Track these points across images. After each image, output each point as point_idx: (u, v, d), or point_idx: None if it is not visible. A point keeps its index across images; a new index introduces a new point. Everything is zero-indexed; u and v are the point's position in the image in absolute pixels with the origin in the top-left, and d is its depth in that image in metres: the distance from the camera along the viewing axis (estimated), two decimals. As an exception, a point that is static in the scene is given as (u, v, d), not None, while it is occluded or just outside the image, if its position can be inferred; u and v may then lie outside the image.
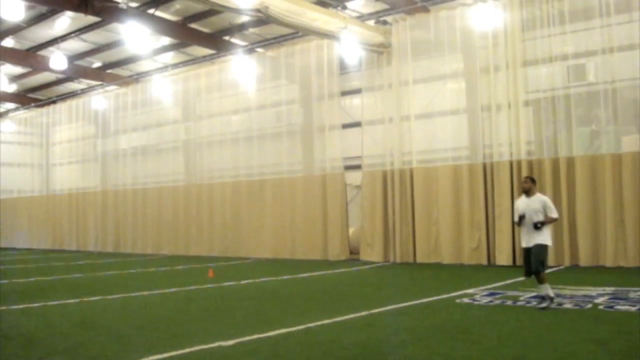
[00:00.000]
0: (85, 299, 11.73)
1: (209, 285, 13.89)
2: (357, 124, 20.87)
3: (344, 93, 21.67)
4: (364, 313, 9.16)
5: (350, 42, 18.51)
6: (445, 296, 11.00)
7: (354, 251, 20.45)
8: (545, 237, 9.35)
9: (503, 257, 16.66)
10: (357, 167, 20.72)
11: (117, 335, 8.06)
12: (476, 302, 10.16)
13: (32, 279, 16.12)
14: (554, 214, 9.50)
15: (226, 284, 14.24)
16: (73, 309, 10.72)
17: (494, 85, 17.37)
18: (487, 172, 17.39)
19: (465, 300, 10.43)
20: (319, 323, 8.51)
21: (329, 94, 21.10)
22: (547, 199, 9.70)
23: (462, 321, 8.62)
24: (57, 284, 15.15)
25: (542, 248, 9.30)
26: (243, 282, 14.59)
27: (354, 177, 21.24)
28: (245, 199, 22.97)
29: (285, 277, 15.67)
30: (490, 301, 10.24)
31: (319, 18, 17.63)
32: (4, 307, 10.44)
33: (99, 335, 8.00)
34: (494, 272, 15.39)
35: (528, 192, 9.63)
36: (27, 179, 34.78)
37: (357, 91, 21.20)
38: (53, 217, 31.76)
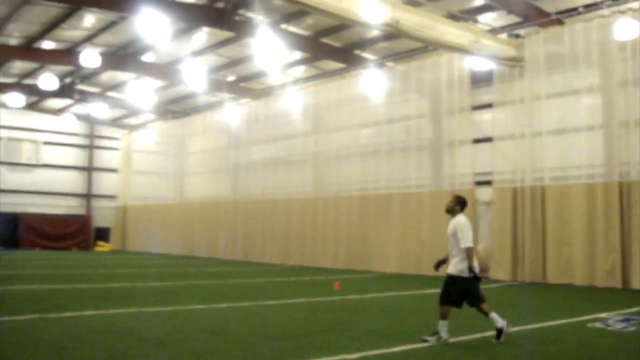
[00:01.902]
0: (213, 305, 12.53)
1: (334, 298, 14.39)
2: (487, 139, 21.38)
3: (475, 107, 22.21)
4: (489, 333, 8.91)
5: (481, 56, 19.16)
6: (576, 319, 10.89)
7: (482, 269, 20.83)
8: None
9: (638, 281, 16.69)
10: (487, 183, 21.21)
11: (243, 342, 8.44)
12: (609, 328, 9.94)
13: (166, 283, 17.70)
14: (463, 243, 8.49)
15: (351, 296, 14.70)
16: (201, 314, 11.37)
17: (632, 100, 17.48)
18: (624, 191, 17.47)
19: (598, 324, 10.24)
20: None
21: (459, 109, 21.77)
22: (463, 223, 8.66)
23: (594, 347, 8.49)
24: (188, 289, 16.39)
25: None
26: (368, 295, 15.14)
27: (483, 193, 21.71)
28: (372, 213, 24.02)
29: (411, 292, 16.21)
30: (625, 327, 10.02)
31: (449, 32, 18.27)
32: (137, 309, 11.50)
33: (226, 342, 8.46)
34: (629, 296, 15.36)
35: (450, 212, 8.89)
36: (162, 187, 37.92)
37: (488, 106, 21.71)
38: (185, 224, 34.36)
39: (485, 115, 22.24)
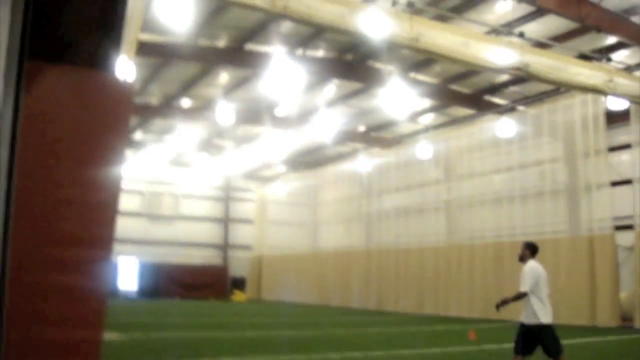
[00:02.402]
0: (347, 354, 12.95)
1: (470, 348, 14.51)
2: (627, 181, 21.13)
3: (612, 149, 22.01)
4: None
5: (616, 95, 19.12)
6: None
7: (626, 318, 20.51)
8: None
9: None
10: (628, 227, 20.89)
11: None
12: None
13: (300, 332, 18.48)
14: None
15: (487, 346, 14.78)
16: None
17: None
18: None
19: None
20: None
21: (595, 150, 21.59)
22: (524, 269, 8.71)
23: None
24: (322, 338, 17.06)
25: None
26: (505, 345, 15.25)
27: (624, 238, 21.36)
28: (507, 260, 23.99)
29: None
30: None
31: (581, 72, 18.34)
32: (272, 358, 12.10)
33: None
34: None
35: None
36: (296, 237, 39.45)
37: (626, 146, 21.50)
38: (319, 274, 35.44)
39: (624, 157, 21.97)
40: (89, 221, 3.96)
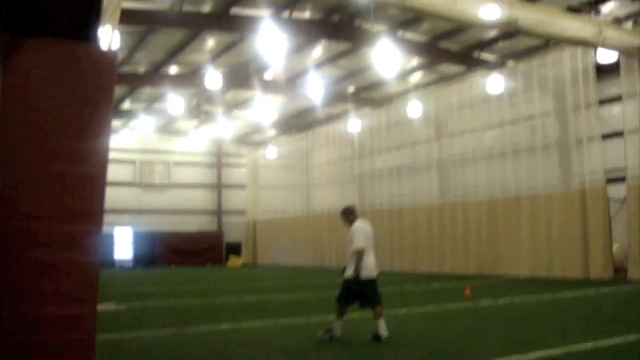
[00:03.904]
0: (345, 316, 13.55)
1: (466, 305, 14.54)
2: (619, 134, 21.19)
3: (603, 102, 22.02)
4: (632, 337, 8.82)
5: (607, 48, 19.07)
6: None
7: (618, 270, 20.74)
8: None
9: None
10: (620, 179, 21.01)
11: (374, 353, 8.81)
12: None
13: (298, 296, 18.82)
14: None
15: (484, 303, 14.74)
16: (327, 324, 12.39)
17: None
18: None
19: None
20: (581, 346, 8.52)
21: (586, 104, 21.56)
22: (353, 229, 9.70)
23: None
24: (317, 301, 16.90)
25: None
26: (501, 301, 15.21)
27: (616, 191, 21.50)
28: (501, 217, 24.23)
29: (544, 296, 16.23)
30: None
31: (571, 26, 18.29)
32: (271, 322, 12.23)
33: (359, 353, 8.89)
34: None
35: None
36: (290, 200, 39.58)
37: (617, 99, 21.50)
38: (314, 236, 35.65)
39: (615, 109, 22.01)
40: (79, 195, 3.95)
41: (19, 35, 3.83)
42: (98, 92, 4.12)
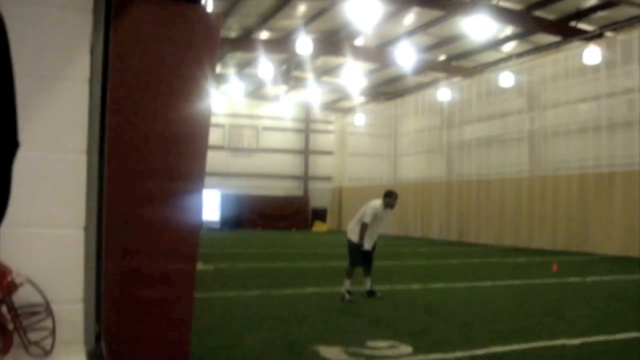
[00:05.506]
0: (429, 285, 13.23)
1: (553, 280, 14.59)
2: None
3: None
4: None
5: None
6: None
7: None
8: None
9: None
10: None
11: (460, 323, 8.86)
12: None
13: (382, 263, 18.61)
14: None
15: (570, 279, 14.68)
16: (418, 294, 12.12)
17: None
18: None
19: None
20: None
21: (689, 78, 20.77)
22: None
23: None
24: (403, 269, 17.53)
25: None
26: (589, 278, 14.90)
27: None
28: (592, 192, 23.64)
29: (635, 276, 15.83)
30: None
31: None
32: (354, 288, 12.07)
33: (443, 322, 8.99)
34: None
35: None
36: (376, 168, 39.63)
37: None
38: (399, 205, 35.21)
39: None
40: (180, 154, 4.13)
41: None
42: (203, 54, 4.22)
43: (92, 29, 3.65)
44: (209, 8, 15.56)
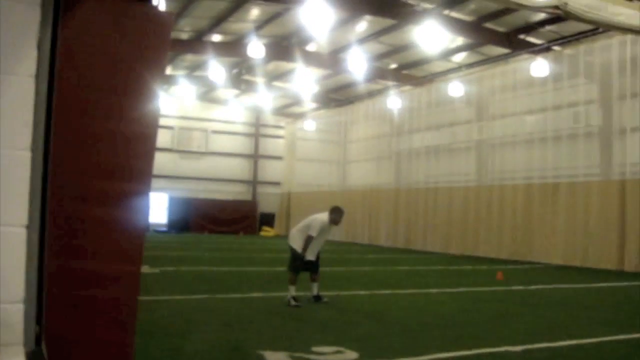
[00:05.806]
0: (375, 292, 13.29)
1: (497, 288, 14.75)
2: (663, 126, 20.87)
3: (649, 92, 21.71)
4: None
5: (657, 37, 18.73)
6: None
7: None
8: None
9: None
10: (663, 172, 20.75)
11: (406, 329, 8.91)
12: None
13: (328, 269, 18.65)
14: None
15: (515, 287, 14.90)
16: (363, 300, 12.15)
17: None
18: None
19: None
20: (612, 338, 8.58)
21: (632, 94, 21.31)
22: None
23: None
24: (350, 275, 17.56)
25: None
26: (532, 287, 15.14)
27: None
28: (537, 202, 24.11)
29: (576, 285, 16.20)
30: None
31: (622, 12, 17.87)
32: (301, 293, 11.81)
33: (389, 328, 9.01)
34: None
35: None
36: (325, 174, 39.76)
37: (665, 89, 21.13)
38: (347, 211, 35.45)
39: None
40: (128, 154, 4.04)
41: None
42: (153, 53, 4.14)
43: (40, 24, 3.57)
44: (161, 7, 15.41)
